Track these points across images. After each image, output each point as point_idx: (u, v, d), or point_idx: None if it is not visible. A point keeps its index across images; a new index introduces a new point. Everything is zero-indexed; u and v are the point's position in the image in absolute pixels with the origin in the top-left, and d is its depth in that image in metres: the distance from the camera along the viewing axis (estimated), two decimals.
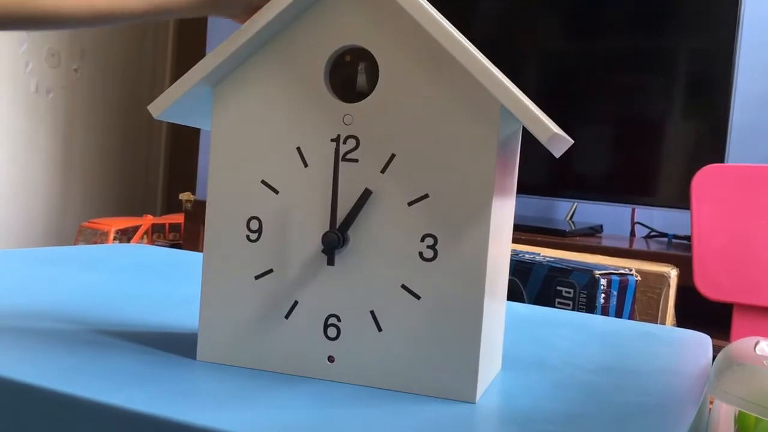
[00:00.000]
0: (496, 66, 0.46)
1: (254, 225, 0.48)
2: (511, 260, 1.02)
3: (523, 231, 1.61)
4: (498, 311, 0.50)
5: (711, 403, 0.52)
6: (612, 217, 1.86)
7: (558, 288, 0.97)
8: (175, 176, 2.87)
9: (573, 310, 0.95)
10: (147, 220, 2.23)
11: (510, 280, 0.99)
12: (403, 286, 0.45)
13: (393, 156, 0.45)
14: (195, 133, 2.60)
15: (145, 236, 2.21)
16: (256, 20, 0.47)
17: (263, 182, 0.48)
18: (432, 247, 0.45)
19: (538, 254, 1.07)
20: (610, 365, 0.57)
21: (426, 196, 0.45)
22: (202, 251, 0.52)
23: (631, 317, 0.97)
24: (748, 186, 1.13)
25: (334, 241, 0.46)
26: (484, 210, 0.44)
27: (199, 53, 2.56)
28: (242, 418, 0.39)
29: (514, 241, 1.39)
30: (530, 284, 1.00)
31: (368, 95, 0.46)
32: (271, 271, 0.48)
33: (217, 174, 0.49)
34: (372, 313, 0.46)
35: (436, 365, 0.45)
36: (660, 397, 0.49)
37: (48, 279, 0.75)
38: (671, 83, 1.64)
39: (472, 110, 0.44)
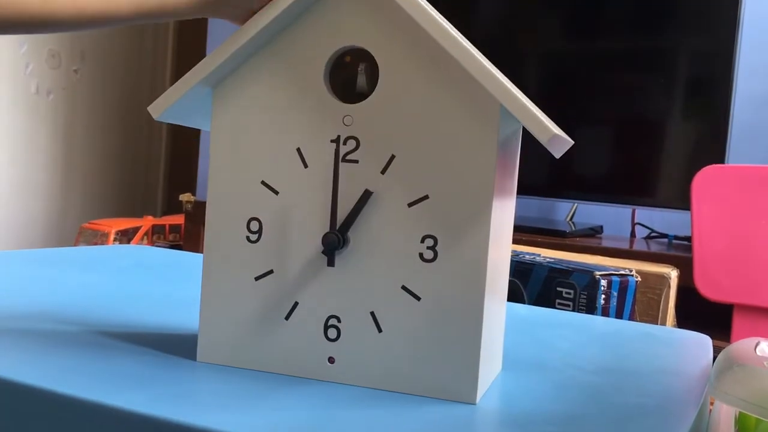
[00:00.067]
0: (496, 66, 0.46)
1: (254, 226, 0.48)
2: (512, 261, 1.02)
3: (523, 232, 1.61)
4: (498, 312, 0.50)
5: (711, 404, 0.52)
6: (612, 217, 1.86)
7: (558, 289, 0.97)
8: (175, 177, 2.87)
9: (573, 311, 0.95)
10: (147, 221, 2.23)
11: (510, 281, 0.99)
12: (404, 287, 0.45)
13: (393, 157, 0.45)
14: (195, 134, 2.60)
15: (145, 237, 2.21)
16: (256, 21, 0.47)
17: (263, 183, 0.48)
18: (432, 248, 0.45)
19: (539, 255, 1.07)
20: (611, 366, 0.57)
21: (426, 197, 0.45)
22: (202, 252, 0.52)
23: (631, 318, 0.97)
24: (748, 187, 1.13)
25: (334, 242, 0.46)
26: (484, 211, 0.44)
27: (199, 54, 2.56)
28: (242, 420, 0.39)
29: (515, 241, 1.39)
30: (530, 285, 1.00)
31: (368, 96, 0.46)
32: (271, 272, 0.48)
33: (217, 175, 0.49)
34: (372, 314, 0.46)
35: (436, 366, 0.45)
36: (660, 398, 0.49)
37: (48, 280, 0.75)
38: (671, 84, 1.64)
39: (472, 111, 0.44)
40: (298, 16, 0.47)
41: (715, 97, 1.57)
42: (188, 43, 2.79)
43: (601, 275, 0.94)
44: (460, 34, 0.45)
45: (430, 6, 0.44)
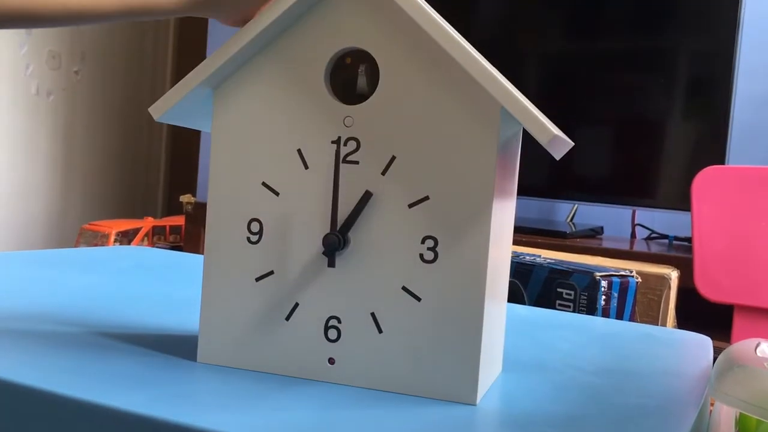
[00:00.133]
0: (495, 67, 0.46)
1: (255, 227, 0.48)
2: (512, 262, 1.02)
3: (523, 233, 1.61)
4: (498, 313, 0.50)
5: (712, 405, 0.52)
6: (612, 218, 1.86)
7: (558, 290, 0.97)
8: (175, 178, 2.88)
9: (573, 311, 0.95)
10: (148, 223, 2.23)
11: (510, 282, 0.99)
12: (404, 288, 0.45)
13: (393, 158, 0.45)
14: (196, 135, 2.60)
15: (145, 238, 2.21)
16: (257, 22, 0.47)
17: (264, 184, 0.48)
18: (432, 248, 0.45)
19: (539, 256, 1.07)
20: (611, 367, 0.57)
21: (426, 198, 0.45)
22: (202, 253, 0.52)
23: (631, 319, 0.97)
24: (748, 187, 1.13)
25: (335, 243, 0.46)
26: (484, 212, 0.44)
27: (199, 55, 2.56)
28: (243, 420, 0.39)
29: (515, 242, 1.39)
30: (531, 286, 1.00)
31: (369, 97, 0.46)
32: (271, 273, 0.48)
33: (218, 176, 0.49)
34: (372, 314, 0.46)
35: (436, 367, 0.45)
36: (661, 399, 0.49)
37: (48, 281, 0.75)
38: (671, 84, 1.64)
39: (473, 112, 0.44)
40: (299, 18, 0.47)
41: (716, 97, 1.57)
42: (189, 44, 2.79)
43: (601, 276, 0.94)
44: (461, 36, 0.45)
45: (430, 7, 0.44)
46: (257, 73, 0.48)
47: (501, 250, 0.48)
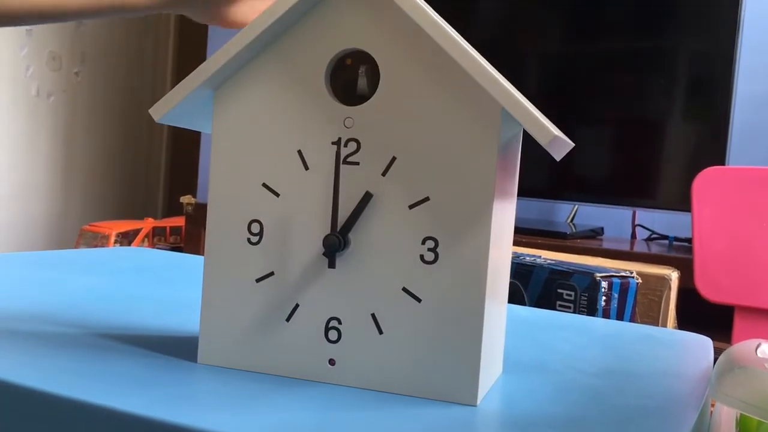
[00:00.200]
0: (495, 67, 0.46)
1: (255, 228, 0.48)
2: (512, 263, 1.02)
3: (523, 233, 1.61)
4: (499, 314, 0.50)
5: (712, 406, 0.52)
6: (613, 219, 1.86)
7: (559, 291, 0.97)
8: (176, 179, 2.88)
9: (574, 312, 0.95)
10: (148, 224, 2.24)
11: (511, 283, 0.99)
12: (404, 289, 0.45)
13: (394, 159, 0.45)
14: (196, 136, 2.60)
15: (146, 239, 2.21)
16: (257, 23, 0.47)
17: (264, 185, 0.48)
18: (433, 249, 0.45)
19: (539, 257, 1.07)
20: (611, 368, 0.57)
21: (427, 198, 0.45)
22: (203, 254, 0.52)
23: (632, 320, 0.97)
24: (748, 188, 1.13)
25: (335, 244, 0.46)
26: (485, 213, 0.44)
27: (199, 55, 2.56)
28: (243, 422, 0.39)
29: (515, 243, 1.39)
30: (531, 287, 1.00)
31: (369, 98, 0.46)
32: (272, 274, 0.48)
33: (218, 177, 0.49)
34: (373, 315, 0.46)
35: (437, 368, 0.45)
36: (661, 399, 0.49)
37: (49, 282, 0.75)
38: (671, 85, 1.64)
39: (473, 113, 0.44)
40: (299, 19, 0.47)
41: (716, 98, 1.57)
42: (189, 45, 2.79)
43: (601, 277, 0.94)
44: (461, 36, 0.45)
45: (430, 8, 0.44)
46: (258, 75, 0.48)
47: (501, 251, 0.48)
